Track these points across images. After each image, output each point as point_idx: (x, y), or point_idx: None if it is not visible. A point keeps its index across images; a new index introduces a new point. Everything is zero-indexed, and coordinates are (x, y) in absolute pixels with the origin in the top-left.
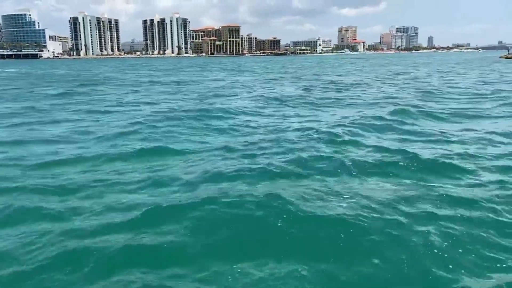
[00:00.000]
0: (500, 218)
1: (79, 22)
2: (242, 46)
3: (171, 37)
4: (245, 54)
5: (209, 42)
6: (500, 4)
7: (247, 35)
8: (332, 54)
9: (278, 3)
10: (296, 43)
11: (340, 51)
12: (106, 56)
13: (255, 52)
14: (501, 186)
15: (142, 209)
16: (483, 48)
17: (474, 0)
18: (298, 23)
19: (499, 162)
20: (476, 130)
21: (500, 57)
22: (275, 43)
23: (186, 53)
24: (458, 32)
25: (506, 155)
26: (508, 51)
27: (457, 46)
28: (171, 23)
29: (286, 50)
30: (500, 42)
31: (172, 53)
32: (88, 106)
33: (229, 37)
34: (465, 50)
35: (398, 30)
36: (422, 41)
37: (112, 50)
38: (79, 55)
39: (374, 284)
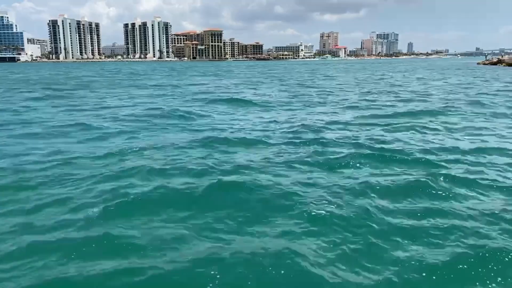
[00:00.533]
0: None
1: (58, 25)
2: (224, 50)
3: (153, 41)
4: (227, 58)
5: (191, 46)
6: (478, 12)
7: (230, 40)
8: (314, 60)
9: (261, 8)
10: (278, 48)
11: (322, 57)
12: (86, 60)
13: (237, 57)
14: None
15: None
16: (461, 54)
17: (452, 8)
18: (280, 28)
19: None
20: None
21: (478, 63)
22: (257, 47)
23: (167, 57)
24: (437, 38)
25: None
26: (486, 57)
27: (436, 52)
28: (152, 27)
29: (269, 55)
30: (477, 48)
31: (154, 57)
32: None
33: (212, 42)
34: (444, 56)
35: (378, 36)
36: (402, 47)
37: (93, 54)
38: (59, 59)
39: None
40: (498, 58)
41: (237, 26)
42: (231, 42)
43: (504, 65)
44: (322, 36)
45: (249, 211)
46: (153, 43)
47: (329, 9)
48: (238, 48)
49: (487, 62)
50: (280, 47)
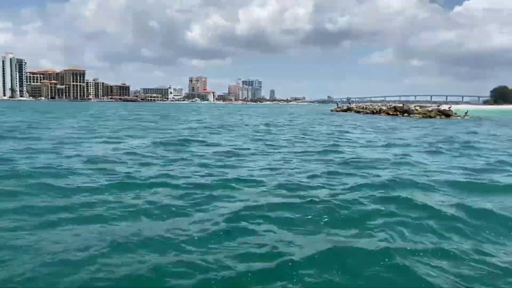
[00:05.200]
0: None
1: None
2: (88, 90)
3: (3, 78)
4: (91, 99)
5: (49, 85)
6: (327, 65)
7: (94, 80)
8: (183, 102)
9: (128, 49)
10: (147, 90)
11: (191, 100)
12: None
13: (102, 98)
14: None
15: None
16: (316, 101)
17: (307, 60)
18: (149, 70)
19: None
20: None
21: (331, 110)
22: (124, 89)
23: (21, 96)
24: (295, 87)
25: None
26: (337, 104)
27: (295, 99)
28: (3, 64)
29: (137, 96)
30: (328, 96)
31: (4, 96)
32: None
33: (73, 81)
34: (301, 103)
35: (244, 82)
36: (265, 93)
37: None
38: None
39: None
40: (347, 106)
41: (102, 66)
42: (95, 82)
43: (353, 112)
44: (191, 80)
45: None
46: (4, 81)
47: (197, 55)
48: (103, 89)
49: (339, 109)
50: (149, 89)
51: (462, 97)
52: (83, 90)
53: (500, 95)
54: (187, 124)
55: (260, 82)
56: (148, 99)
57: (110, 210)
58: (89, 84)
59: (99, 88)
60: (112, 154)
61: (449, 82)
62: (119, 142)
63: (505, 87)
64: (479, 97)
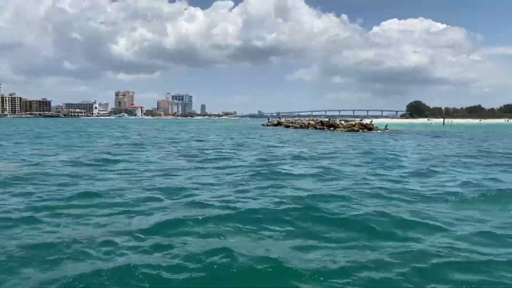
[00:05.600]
0: None
1: None
2: (3, 106)
3: None
4: (6, 115)
5: None
6: (258, 80)
7: (10, 95)
8: (110, 118)
9: (49, 62)
10: (70, 105)
11: (118, 115)
12: None
13: (20, 114)
14: None
15: None
16: (248, 116)
17: (237, 76)
18: (72, 84)
19: None
20: None
21: (262, 125)
22: (45, 104)
23: None
24: (226, 101)
25: None
26: (268, 119)
27: (226, 113)
28: None
29: (59, 112)
30: (259, 111)
31: None
32: None
33: None
34: (233, 117)
35: (174, 97)
36: (196, 108)
37: None
38: None
39: None
40: (277, 120)
41: (20, 80)
42: (11, 97)
43: (283, 126)
44: (117, 95)
45: None
46: None
47: (124, 68)
48: (20, 104)
49: (270, 123)
50: (72, 104)
51: (382, 111)
52: None
53: (415, 109)
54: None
55: (190, 97)
56: (72, 115)
57: None
58: (4, 99)
59: (16, 103)
60: None
61: (369, 97)
62: None
63: (419, 102)
64: (396, 111)
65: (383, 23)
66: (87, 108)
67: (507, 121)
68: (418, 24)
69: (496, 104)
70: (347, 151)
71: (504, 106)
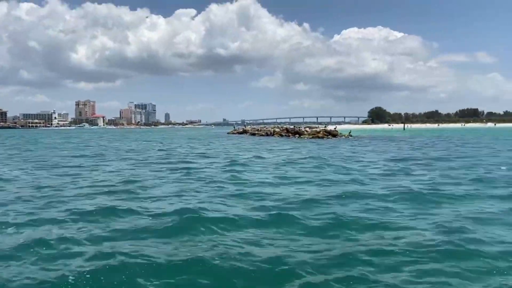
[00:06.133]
0: None
1: None
2: None
3: None
4: None
5: None
6: (222, 89)
7: None
8: (70, 128)
9: (4, 71)
10: (27, 116)
11: (79, 125)
12: None
13: None
14: None
15: None
16: (213, 124)
17: (201, 84)
18: (29, 94)
19: None
20: None
21: (228, 133)
22: (0, 114)
23: None
24: (191, 110)
25: None
26: (234, 127)
27: (191, 122)
28: None
29: (15, 123)
30: (224, 119)
31: None
32: None
33: None
34: (198, 126)
35: (137, 106)
36: (160, 117)
37: None
38: None
39: None
40: (243, 128)
41: None
42: None
43: (248, 134)
44: (78, 104)
45: None
46: None
47: (84, 77)
48: None
49: (235, 131)
50: (30, 115)
51: (344, 117)
52: None
53: (376, 115)
54: None
55: (154, 106)
56: (29, 126)
57: None
58: None
59: None
60: None
61: (332, 104)
62: None
63: (379, 108)
64: (358, 117)
65: (343, 31)
66: (46, 118)
67: (463, 125)
68: (376, 33)
69: (452, 109)
70: (312, 158)
71: (460, 111)
